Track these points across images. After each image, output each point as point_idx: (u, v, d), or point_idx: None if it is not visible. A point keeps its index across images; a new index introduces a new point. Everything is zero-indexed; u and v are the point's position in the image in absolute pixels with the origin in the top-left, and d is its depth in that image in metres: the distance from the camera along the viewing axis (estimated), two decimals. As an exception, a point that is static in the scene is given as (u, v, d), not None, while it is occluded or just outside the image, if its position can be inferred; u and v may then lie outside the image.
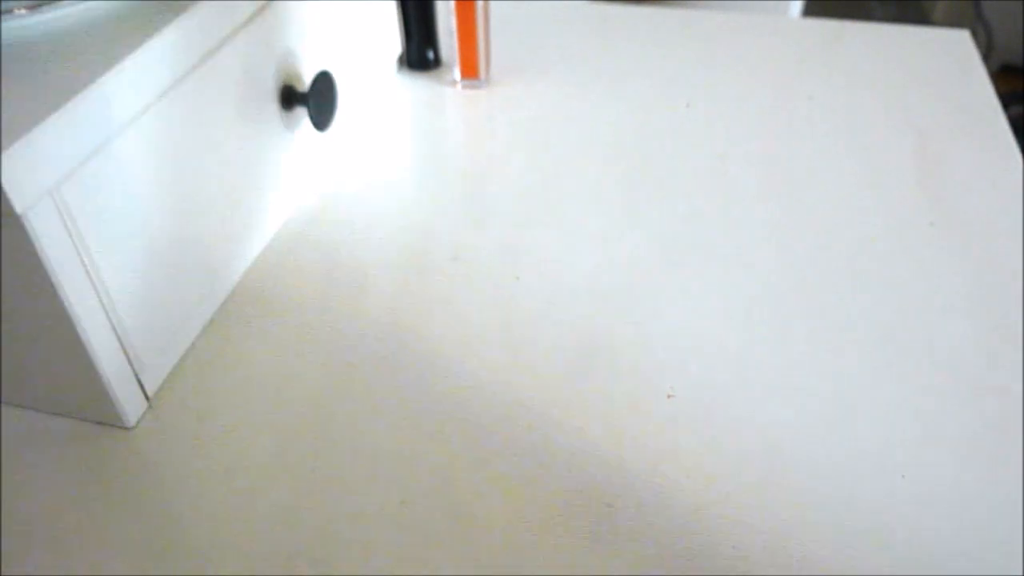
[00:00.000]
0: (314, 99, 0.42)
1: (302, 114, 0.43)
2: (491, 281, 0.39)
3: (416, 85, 0.56)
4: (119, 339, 0.32)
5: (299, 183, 0.45)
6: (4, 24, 0.32)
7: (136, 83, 0.30)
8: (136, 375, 0.33)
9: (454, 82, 0.55)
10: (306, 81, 0.43)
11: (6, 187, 0.25)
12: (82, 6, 0.33)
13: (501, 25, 0.61)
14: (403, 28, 0.56)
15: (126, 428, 0.33)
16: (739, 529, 0.29)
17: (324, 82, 0.42)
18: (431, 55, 0.57)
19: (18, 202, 0.26)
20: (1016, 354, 0.35)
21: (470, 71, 0.54)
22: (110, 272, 0.30)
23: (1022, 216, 0.42)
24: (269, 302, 0.39)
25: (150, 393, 0.34)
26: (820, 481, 0.31)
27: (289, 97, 0.42)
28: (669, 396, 0.33)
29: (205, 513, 0.30)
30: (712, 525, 0.29)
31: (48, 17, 0.33)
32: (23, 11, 0.32)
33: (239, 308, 0.39)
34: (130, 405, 0.33)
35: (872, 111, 0.51)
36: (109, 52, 0.30)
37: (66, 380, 0.32)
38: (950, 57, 0.57)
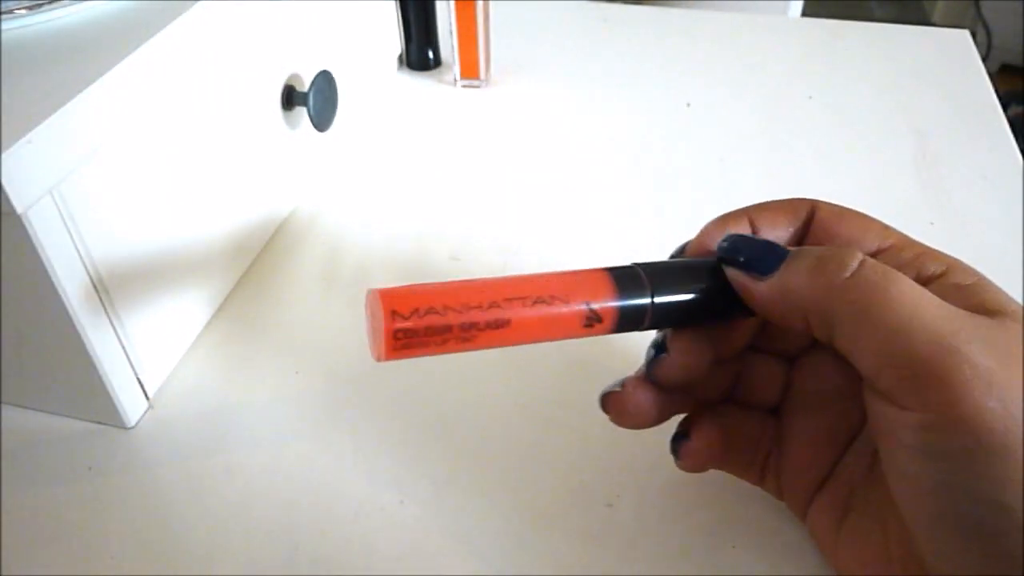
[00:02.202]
0: (314, 99, 0.42)
1: (302, 114, 0.43)
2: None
3: (416, 85, 0.56)
4: (119, 339, 0.32)
5: (299, 183, 0.45)
6: (4, 24, 0.32)
7: (136, 83, 0.30)
8: (136, 375, 0.33)
9: (454, 82, 0.55)
10: (306, 81, 0.43)
11: (6, 187, 0.25)
12: (82, 6, 0.33)
13: (501, 25, 0.61)
14: (403, 28, 0.56)
15: (126, 428, 0.33)
16: (740, 528, 0.29)
17: (324, 82, 0.43)
18: (431, 55, 0.57)
19: (18, 202, 0.26)
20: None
21: (470, 71, 0.54)
22: (110, 272, 0.30)
23: (1022, 216, 0.42)
24: (269, 302, 0.39)
25: (150, 393, 0.34)
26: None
27: (289, 97, 0.42)
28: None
29: (205, 513, 0.30)
30: (713, 524, 0.29)
31: (48, 17, 0.33)
32: (23, 11, 0.32)
33: (239, 308, 0.39)
34: (130, 405, 0.33)
35: (872, 111, 0.51)
36: (109, 52, 0.30)
37: (66, 380, 0.32)
38: (950, 57, 0.57)
